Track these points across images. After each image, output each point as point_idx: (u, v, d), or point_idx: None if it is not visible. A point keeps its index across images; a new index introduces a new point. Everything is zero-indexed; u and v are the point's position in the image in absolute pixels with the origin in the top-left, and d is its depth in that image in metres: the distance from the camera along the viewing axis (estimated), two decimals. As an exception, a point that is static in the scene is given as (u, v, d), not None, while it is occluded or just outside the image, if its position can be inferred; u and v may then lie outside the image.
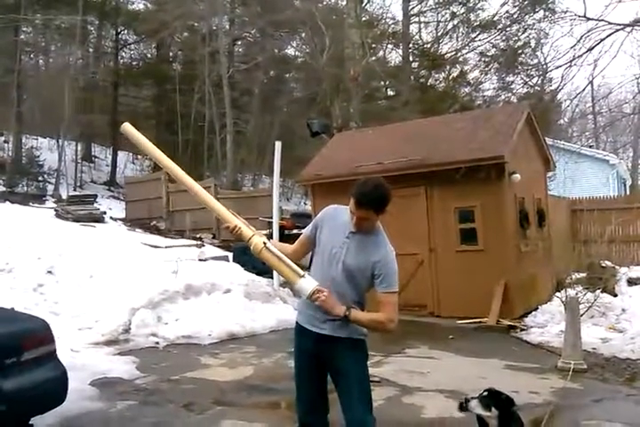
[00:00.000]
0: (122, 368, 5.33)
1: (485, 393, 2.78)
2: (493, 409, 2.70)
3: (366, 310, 2.60)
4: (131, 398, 4.53)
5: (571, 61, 7.18)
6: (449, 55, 20.83)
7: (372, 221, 2.51)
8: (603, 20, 7.00)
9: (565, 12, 7.64)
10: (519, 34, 18.54)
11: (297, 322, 2.69)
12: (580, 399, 4.53)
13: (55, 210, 14.01)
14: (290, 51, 24.80)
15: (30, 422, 3.32)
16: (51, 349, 3.49)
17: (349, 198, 2.47)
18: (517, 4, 17.61)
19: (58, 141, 19.62)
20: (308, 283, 2.47)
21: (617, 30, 7.06)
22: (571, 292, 6.82)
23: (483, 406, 2.71)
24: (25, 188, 17.71)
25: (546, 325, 7.05)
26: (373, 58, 19.26)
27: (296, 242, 2.76)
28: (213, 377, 5.16)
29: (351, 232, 2.54)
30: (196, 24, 22.81)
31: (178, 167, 2.87)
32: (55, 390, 3.42)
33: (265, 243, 2.58)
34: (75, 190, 19.58)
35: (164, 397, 4.56)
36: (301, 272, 2.51)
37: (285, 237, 9.78)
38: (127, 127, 2.96)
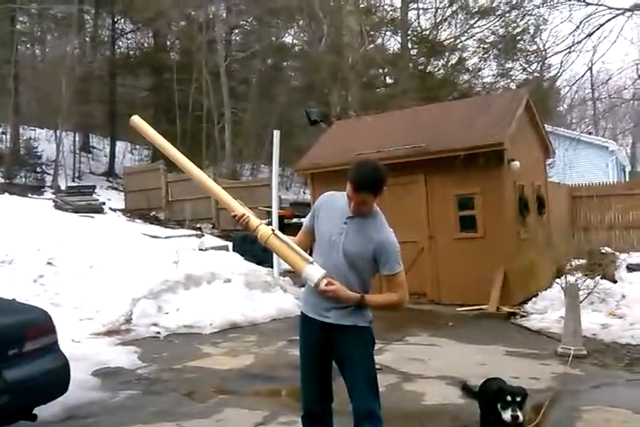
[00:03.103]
0: (123, 358, 5.36)
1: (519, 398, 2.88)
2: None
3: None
4: (133, 387, 4.55)
5: (570, 47, 7.15)
6: (448, 42, 20.66)
7: (370, 204, 2.48)
8: (602, 5, 6.97)
9: (565, -3, 7.55)
10: (518, 20, 18.39)
11: (302, 311, 2.67)
12: (581, 385, 4.54)
13: (54, 201, 13.98)
14: (287, 39, 24.60)
15: (34, 412, 3.32)
16: (52, 339, 3.49)
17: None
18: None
19: (55, 132, 19.49)
20: (315, 270, 2.44)
21: (617, 15, 7.00)
22: (570, 278, 6.84)
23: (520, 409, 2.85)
24: (23, 179, 17.63)
25: (546, 311, 7.05)
26: (372, 45, 19.09)
27: (299, 233, 2.74)
28: (215, 366, 5.17)
29: (349, 217, 2.51)
30: (192, 12, 22.57)
31: (186, 158, 2.85)
32: (57, 380, 3.43)
33: (273, 230, 2.57)
34: (73, 181, 19.49)
35: (166, 386, 4.58)
36: (310, 258, 2.48)
37: (285, 227, 9.78)
38: (136, 120, 2.94)
